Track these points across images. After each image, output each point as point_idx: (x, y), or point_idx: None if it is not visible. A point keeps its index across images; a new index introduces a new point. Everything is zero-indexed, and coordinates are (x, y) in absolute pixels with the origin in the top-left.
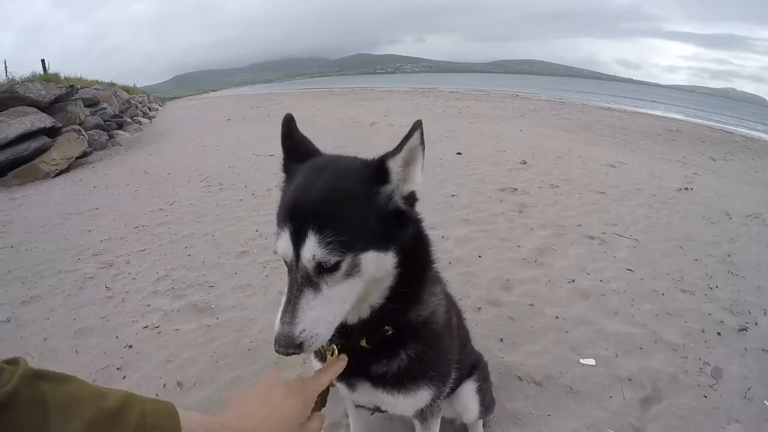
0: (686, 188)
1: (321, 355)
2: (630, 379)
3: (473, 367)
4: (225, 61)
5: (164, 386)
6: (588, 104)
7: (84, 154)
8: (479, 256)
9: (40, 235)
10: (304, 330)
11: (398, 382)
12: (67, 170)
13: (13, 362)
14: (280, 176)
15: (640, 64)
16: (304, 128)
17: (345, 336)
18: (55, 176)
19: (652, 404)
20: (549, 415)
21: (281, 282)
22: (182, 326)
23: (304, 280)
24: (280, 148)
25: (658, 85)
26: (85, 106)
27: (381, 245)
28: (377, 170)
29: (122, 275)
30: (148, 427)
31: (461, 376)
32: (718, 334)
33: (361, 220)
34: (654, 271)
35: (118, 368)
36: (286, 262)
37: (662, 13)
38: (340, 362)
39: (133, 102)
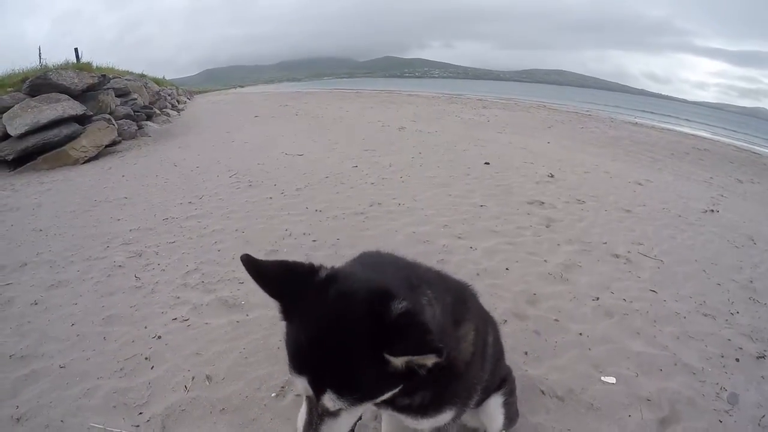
0: (712, 210)
1: None
2: (649, 400)
3: (503, 380)
4: (254, 57)
5: (193, 379)
6: (615, 118)
7: (113, 143)
8: (507, 269)
9: (69, 220)
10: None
11: (422, 410)
12: (95, 158)
13: None
14: (297, 205)
15: (668, 78)
16: (332, 128)
17: None
18: (83, 163)
19: (669, 426)
20: (569, 430)
21: None
22: (212, 320)
23: (324, 412)
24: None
25: (685, 101)
26: (116, 96)
27: (394, 387)
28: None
29: (152, 266)
30: None
31: (490, 390)
32: (737, 360)
33: (376, 377)
34: (677, 293)
35: (146, 358)
36: None
37: (693, 28)
38: None
39: (162, 94)
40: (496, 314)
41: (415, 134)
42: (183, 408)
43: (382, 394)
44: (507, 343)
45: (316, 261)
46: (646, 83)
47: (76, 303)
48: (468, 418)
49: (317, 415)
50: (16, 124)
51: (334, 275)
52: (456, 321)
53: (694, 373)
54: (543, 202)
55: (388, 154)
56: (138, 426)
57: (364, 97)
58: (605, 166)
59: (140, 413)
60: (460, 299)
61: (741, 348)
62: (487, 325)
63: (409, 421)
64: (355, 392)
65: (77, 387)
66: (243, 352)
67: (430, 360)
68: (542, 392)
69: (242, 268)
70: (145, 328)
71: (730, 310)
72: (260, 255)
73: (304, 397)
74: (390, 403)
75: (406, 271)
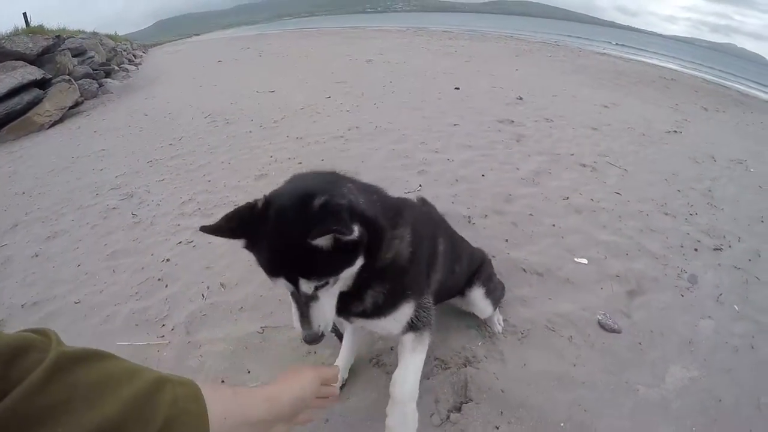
0: (675, 131)
1: None
2: (617, 276)
3: (477, 271)
4: (208, 3)
5: (208, 288)
6: (584, 49)
7: (76, 104)
8: (482, 175)
9: (51, 179)
10: (319, 325)
11: (378, 311)
12: (61, 121)
13: (42, 334)
14: (277, 135)
15: (638, 11)
16: (299, 65)
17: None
18: (49, 128)
19: (636, 296)
20: (550, 299)
21: None
22: (215, 240)
23: (307, 298)
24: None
25: (655, 34)
26: (73, 56)
27: (348, 264)
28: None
29: (146, 203)
30: (179, 411)
31: (464, 284)
32: (695, 250)
33: (328, 259)
34: (640, 196)
35: (159, 279)
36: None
37: None
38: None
39: (118, 50)
40: (477, 211)
41: (384, 65)
42: (204, 313)
43: (340, 269)
44: (489, 233)
45: None
46: (615, 15)
47: (77, 247)
48: (463, 304)
49: (303, 304)
50: None
51: (269, 200)
52: (392, 224)
53: (656, 258)
54: (513, 121)
55: (359, 85)
56: (163, 336)
57: (328, 34)
58: (572, 90)
59: (163, 325)
60: (395, 208)
61: (699, 241)
62: (437, 233)
63: (375, 325)
64: (317, 273)
65: (96, 316)
66: (250, 260)
67: (346, 234)
68: (524, 270)
69: (236, 194)
70: (152, 255)
71: (689, 211)
72: (249, 181)
73: (292, 300)
74: (349, 312)
75: (330, 176)
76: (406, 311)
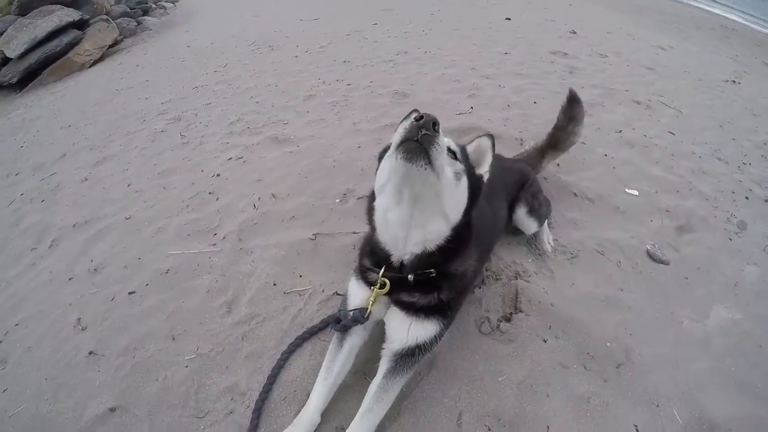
0: (734, 81)
1: (371, 283)
2: (668, 211)
3: (523, 184)
4: None
5: (259, 199)
6: None
7: (115, 42)
8: (534, 102)
9: (96, 111)
10: (440, 142)
11: (419, 312)
12: (101, 60)
13: None
14: (323, 59)
15: None
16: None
17: (397, 271)
18: (90, 66)
19: (685, 233)
20: (600, 225)
21: (353, 116)
22: (266, 154)
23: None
24: None
25: None
26: None
27: (468, 185)
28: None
29: (193, 125)
30: None
31: (513, 198)
32: (746, 198)
33: (467, 159)
34: (694, 138)
35: (210, 193)
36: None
37: None
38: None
39: None
40: (529, 135)
41: None
42: (255, 222)
43: (465, 171)
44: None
45: (354, 101)
46: None
47: (127, 169)
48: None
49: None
50: (13, 46)
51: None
52: (471, 251)
53: (707, 199)
54: (566, 53)
55: (406, 12)
56: (215, 244)
57: None
58: (628, 29)
59: (214, 234)
60: (472, 239)
61: (751, 190)
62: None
63: (400, 320)
64: (457, 149)
65: (147, 230)
66: (301, 173)
67: (486, 144)
68: (575, 194)
69: (284, 113)
70: (202, 171)
71: (743, 160)
72: (298, 101)
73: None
74: (399, 297)
75: None
76: (428, 328)
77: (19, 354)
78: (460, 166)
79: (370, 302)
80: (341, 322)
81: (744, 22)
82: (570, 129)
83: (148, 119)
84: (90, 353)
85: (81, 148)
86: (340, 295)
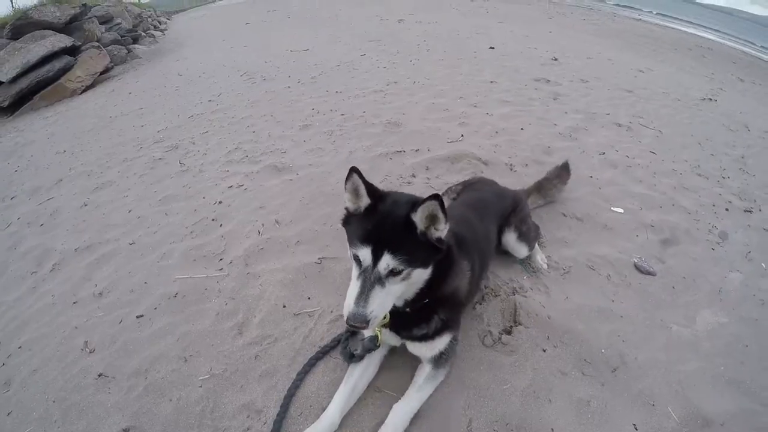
0: (710, 99)
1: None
2: (652, 225)
3: (512, 209)
4: None
5: (263, 225)
6: (618, 13)
7: (106, 69)
8: (521, 129)
9: (91, 137)
10: (372, 311)
11: (429, 337)
12: (92, 86)
13: None
14: (316, 90)
15: None
16: (330, 25)
17: (393, 311)
18: (81, 93)
19: (670, 245)
20: (589, 242)
21: (349, 145)
22: (266, 182)
23: (376, 280)
24: (365, 196)
25: (693, 2)
26: (100, 24)
27: (424, 264)
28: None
29: (191, 153)
30: None
31: (502, 222)
32: (726, 210)
33: (414, 248)
34: (674, 156)
35: (213, 219)
36: (360, 266)
37: None
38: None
39: (143, 16)
40: (518, 160)
41: (416, 25)
42: (261, 247)
43: (417, 262)
44: (529, 180)
45: (348, 131)
46: None
47: (126, 195)
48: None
49: (369, 283)
50: (5, 69)
51: (386, 194)
52: (458, 267)
53: (689, 213)
54: (549, 80)
55: (393, 43)
56: (221, 269)
57: None
58: (608, 54)
59: (220, 259)
60: (455, 262)
61: (730, 202)
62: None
63: (416, 347)
64: (401, 251)
65: (152, 255)
66: (303, 200)
67: (439, 221)
68: (564, 215)
69: (281, 142)
70: (203, 198)
71: (722, 174)
72: (294, 131)
73: (356, 276)
74: (410, 333)
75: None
76: (444, 340)
77: (24, 376)
78: (406, 270)
79: (379, 332)
80: (357, 353)
81: (720, 40)
82: (555, 184)
83: (145, 146)
84: (99, 375)
85: (78, 173)
86: None
